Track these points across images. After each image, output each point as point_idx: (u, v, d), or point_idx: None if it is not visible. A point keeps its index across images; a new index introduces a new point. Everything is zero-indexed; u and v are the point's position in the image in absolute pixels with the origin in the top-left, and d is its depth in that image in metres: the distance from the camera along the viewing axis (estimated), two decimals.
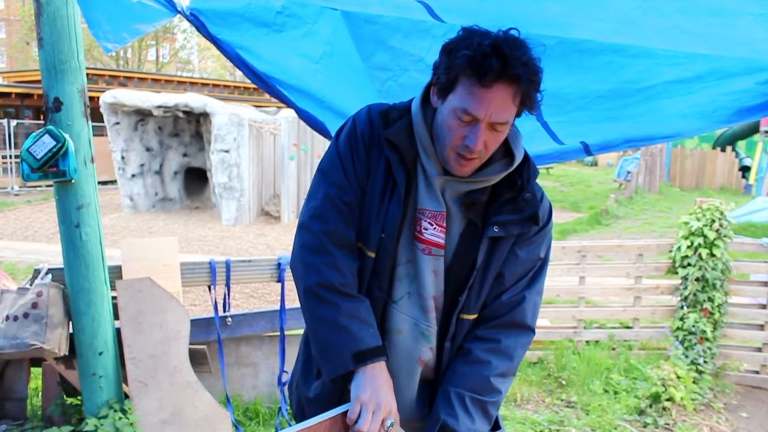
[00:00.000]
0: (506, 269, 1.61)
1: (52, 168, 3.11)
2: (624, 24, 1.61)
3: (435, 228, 1.59)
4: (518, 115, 1.49)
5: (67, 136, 3.12)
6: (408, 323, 1.63)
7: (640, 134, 2.22)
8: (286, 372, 3.87)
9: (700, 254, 4.89)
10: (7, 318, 3.21)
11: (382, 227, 1.58)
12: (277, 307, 4.07)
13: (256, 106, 16.76)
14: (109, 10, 2.50)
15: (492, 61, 1.39)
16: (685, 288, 4.99)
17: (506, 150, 1.60)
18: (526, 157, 1.62)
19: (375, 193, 1.60)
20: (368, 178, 1.62)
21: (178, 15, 2.51)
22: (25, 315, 3.21)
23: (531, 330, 1.66)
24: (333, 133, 2.76)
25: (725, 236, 4.90)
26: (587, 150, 2.46)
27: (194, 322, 3.70)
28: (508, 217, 1.56)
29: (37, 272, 3.54)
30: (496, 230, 1.55)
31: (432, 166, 1.57)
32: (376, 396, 1.48)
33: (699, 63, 1.90)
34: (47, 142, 3.09)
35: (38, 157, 3.07)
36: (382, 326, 1.63)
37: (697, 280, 4.92)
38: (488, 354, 1.60)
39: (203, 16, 2.49)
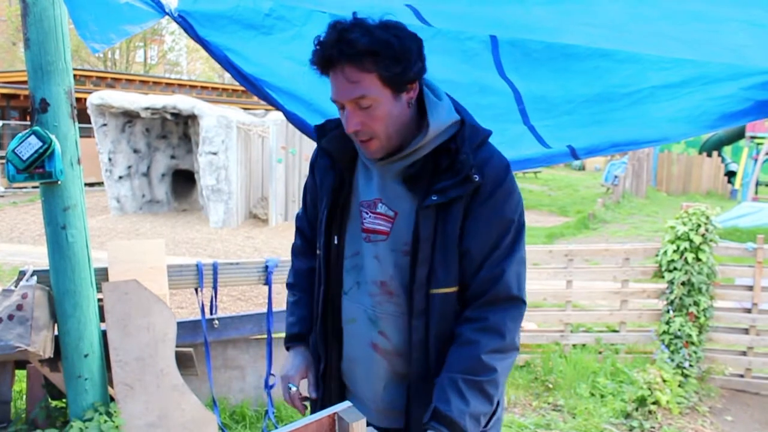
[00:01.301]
0: (471, 240, 1.60)
1: (39, 169, 3.09)
2: (611, 29, 1.62)
3: (371, 216, 1.70)
4: (391, 86, 1.55)
5: (53, 137, 3.11)
6: (358, 311, 1.73)
7: (626, 138, 2.23)
8: (273, 375, 3.86)
9: (686, 258, 4.92)
10: None
11: (321, 228, 1.78)
12: (265, 310, 4.06)
13: (245, 109, 16.73)
14: (96, 11, 2.48)
15: (315, 52, 1.57)
16: (672, 292, 5.02)
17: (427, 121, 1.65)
18: (463, 122, 1.65)
19: (322, 203, 1.80)
20: (316, 193, 1.87)
21: (166, 17, 2.50)
22: (10, 317, 3.18)
23: (519, 300, 1.64)
24: None
25: (711, 240, 4.93)
26: (574, 154, 2.48)
27: (181, 325, 3.69)
28: (445, 183, 1.58)
29: (22, 274, 3.51)
30: (435, 198, 1.58)
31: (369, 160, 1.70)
32: (284, 369, 1.88)
33: (685, 68, 1.91)
34: (33, 143, 3.07)
35: (24, 158, 3.05)
36: (339, 317, 1.79)
37: (683, 284, 4.95)
38: (477, 333, 1.59)
39: (191, 18, 2.48)
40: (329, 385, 1.84)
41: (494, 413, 1.71)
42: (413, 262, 1.61)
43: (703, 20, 1.34)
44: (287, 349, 1.94)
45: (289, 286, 2.02)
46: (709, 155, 21.04)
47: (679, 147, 22.55)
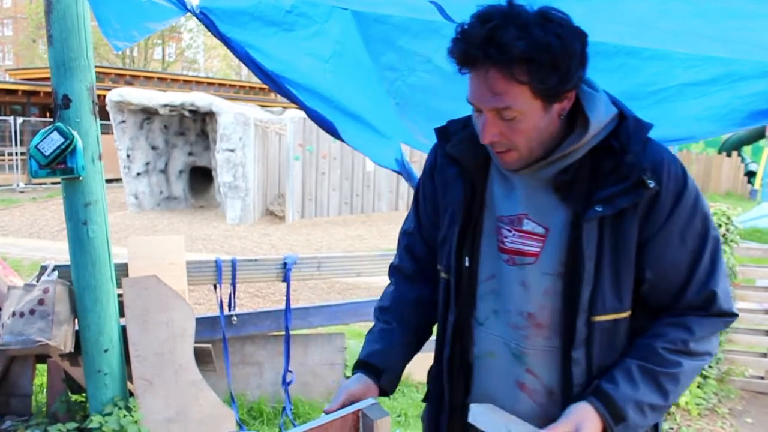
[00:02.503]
0: (662, 261, 1.36)
1: (60, 165, 3.11)
2: (639, 27, 1.60)
3: (515, 234, 1.43)
4: (543, 97, 1.28)
5: (75, 133, 3.13)
6: (498, 344, 1.48)
7: (653, 137, 2.21)
8: (291, 371, 3.87)
9: None
10: (14, 314, 3.21)
11: (449, 248, 1.52)
12: (282, 306, 4.07)
13: (262, 106, 16.78)
14: (119, 9, 2.49)
15: (456, 44, 1.29)
16: None
17: (585, 117, 1.36)
18: (624, 116, 1.38)
19: (445, 216, 1.55)
20: (438, 204, 1.60)
21: (188, 13, 2.51)
22: (32, 311, 3.21)
23: (729, 314, 1.41)
24: (341, 133, 2.77)
25: (732, 241, 4.88)
26: None
27: (199, 321, 3.70)
28: (612, 189, 1.32)
29: (43, 269, 3.54)
30: (600, 209, 1.32)
31: None
32: (341, 390, 1.56)
33: (714, 66, 1.89)
34: (56, 139, 3.09)
35: (46, 154, 3.07)
36: (472, 351, 1.53)
37: None
38: (666, 327, 1.40)
39: (213, 15, 2.48)
40: (452, 426, 1.60)
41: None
42: (572, 285, 1.36)
43: (736, 17, 1.32)
44: (353, 373, 1.64)
45: (382, 310, 1.71)
46: (729, 155, 20.84)
47: (698, 146, 22.34)
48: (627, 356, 1.39)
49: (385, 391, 1.60)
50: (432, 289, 1.65)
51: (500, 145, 1.35)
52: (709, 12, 1.33)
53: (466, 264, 1.49)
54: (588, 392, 1.37)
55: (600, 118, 1.34)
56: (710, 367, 4.85)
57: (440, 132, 1.57)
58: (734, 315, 1.42)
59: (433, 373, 1.66)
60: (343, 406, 1.46)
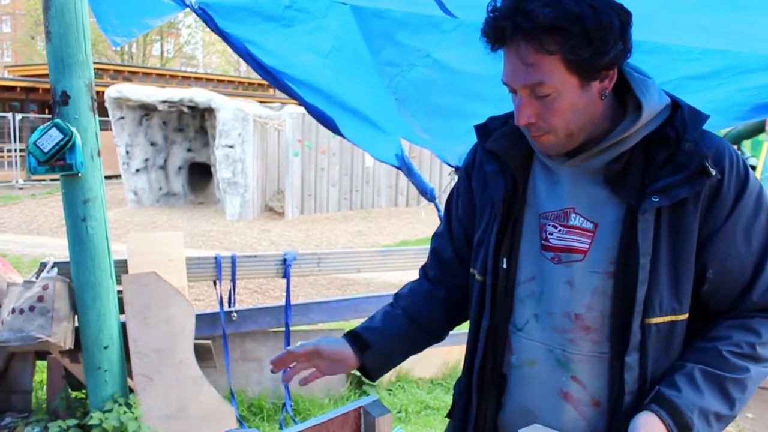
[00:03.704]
0: (725, 258, 1.28)
1: (59, 161, 3.11)
2: (639, 20, 1.59)
3: (561, 230, 1.34)
4: (578, 72, 1.21)
5: (74, 129, 3.12)
6: (540, 351, 1.36)
7: None
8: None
9: None
10: (13, 311, 3.21)
11: (486, 248, 1.43)
12: (282, 302, 4.07)
13: (261, 102, 16.76)
14: (117, 4, 2.49)
15: (487, 22, 1.23)
16: None
17: (636, 102, 1.28)
18: (678, 104, 1.31)
19: (483, 216, 1.47)
20: (474, 205, 1.53)
21: (185, 9, 2.50)
22: (31, 308, 3.21)
23: None
24: (340, 128, 2.77)
25: None
26: None
27: (199, 317, 3.70)
28: (669, 180, 1.23)
29: (43, 265, 3.54)
30: (656, 200, 1.23)
31: (553, 158, 1.35)
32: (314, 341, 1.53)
33: (715, 59, 1.88)
34: (54, 136, 3.08)
35: (45, 150, 3.07)
36: (509, 360, 1.42)
37: None
38: (730, 329, 1.29)
39: (211, 10, 2.48)
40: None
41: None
42: (625, 284, 1.27)
43: (736, 9, 1.32)
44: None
45: (395, 296, 1.65)
46: None
47: None
48: (687, 360, 1.28)
49: (367, 370, 1.54)
50: (452, 294, 1.59)
51: (536, 128, 1.27)
52: (709, 4, 1.32)
53: (504, 265, 1.39)
54: (648, 400, 1.25)
55: (653, 103, 1.27)
56: None
57: (479, 129, 1.49)
58: None
59: (461, 386, 1.55)
60: (299, 358, 1.49)
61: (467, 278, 1.52)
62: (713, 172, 1.21)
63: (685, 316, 1.29)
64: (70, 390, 3.65)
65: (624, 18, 1.22)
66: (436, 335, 1.64)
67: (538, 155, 1.38)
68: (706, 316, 1.32)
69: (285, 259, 3.99)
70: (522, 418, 1.37)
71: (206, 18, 2.50)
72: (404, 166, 3.03)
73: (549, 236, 1.34)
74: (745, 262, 1.27)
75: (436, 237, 1.64)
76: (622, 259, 1.27)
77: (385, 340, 1.54)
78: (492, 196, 1.42)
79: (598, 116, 1.28)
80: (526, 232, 1.38)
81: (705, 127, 1.28)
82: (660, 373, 1.30)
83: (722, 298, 1.30)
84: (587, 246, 1.30)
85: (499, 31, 1.21)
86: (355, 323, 5.77)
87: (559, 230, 1.33)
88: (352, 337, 1.54)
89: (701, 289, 1.29)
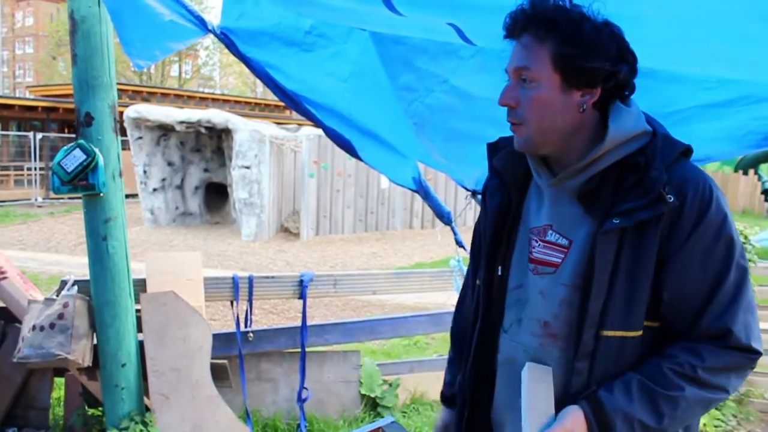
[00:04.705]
0: (679, 282, 1.34)
1: (82, 181, 3.17)
2: (656, 49, 1.62)
3: (541, 245, 1.46)
4: (561, 71, 1.33)
5: (97, 150, 3.18)
6: (518, 351, 1.49)
7: None
8: (306, 388, 3.88)
9: None
10: (34, 327, 3.25)
11: (482, 258, 1.59)
12: (297, 323, 4.09)
13: (277, 123, 16.90)
14: (142, 29, 2.54)
15: (510, 15, 1.38)
16: None
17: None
18: (655, 133, 1.40)
19: (485, 227, 1.61)
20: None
21: (208, 34, 2.56)
22: (51, 325, 3.25)
23: (749, 350, 1.34)
24: (358, 151, 2.81)
25: (750, 261, 4.84)
26: None
27: (216, 337, 3.73)
28: (633, 204, 1.32)
29: (63, 283, 3.58)
30: (617, 221, 1.32)
31: (541, 176, 1.47)
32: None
33: (730, 88, 1.90)
34: (78, 156, 3.15)
35: (69, 170, 3.13)
36: (496, 358, 1.56)
37: None
38: (678, 350, 1.35)
39: (233, 35, 2.53)
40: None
41: None
42: (585, 297, 1.36)
43: (754, 41, 1.34)
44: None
45: (451, 338, 1.86)
46: (745, 173, 20.71)
47: (713, 165, 22.21)
48: (632, 371, 1.36)
49: None
50: None
51: (513, 114, 1.40)
52: (727, 36, 1.35)
53: (498, 273, 1.53)
54: (582, 397, 1.36)
55: (622, 129, 1.36)
56: None
57: (491, 146, 1.61)
58: (756, 352, 1.34)
59: (459, 382, 1.68)
60: None
61: None
62: (670, 199, 1.29)
63: (637, 333, 1.36)
64: (87, 407, 3.68)
65: (623, 52, 1.35)
66: None
67: (534, 176, 1.49)
68: (668, 338, 1.39)
69: (302, 281, 4.01)
70: (500, 413, 1.55)
71: (228, 43, 2.55)
72: (421, 190, 3.06)
73: (533, 250, 1.47)
74: (699, 288, 1.33)
75: (463, 287, 1.83)
76: (587, 274, 1.36)
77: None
78: (489, 207, 1.57)
79: (576, 128, 1.38)
80: (518, 244, 1.51)
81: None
82: (606, 381, 1.37)
83: (677, 320, 1.37)
84: (560, 260, 1.41)
85: (513, 22, 1.37)
86: (369, 345, 5.80)
87: (540, 245, 1.46)
88: (446, 401, 1.79)
89: (659, 309, 1.37)
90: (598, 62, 1.31)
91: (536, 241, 1.47)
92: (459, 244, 3.54)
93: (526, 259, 1.48)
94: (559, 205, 1.44)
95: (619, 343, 1.36)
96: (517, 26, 1.36)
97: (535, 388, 1.37)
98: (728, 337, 1.33)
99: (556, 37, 1.31)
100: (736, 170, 21.34)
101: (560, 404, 1.37)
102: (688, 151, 1.42)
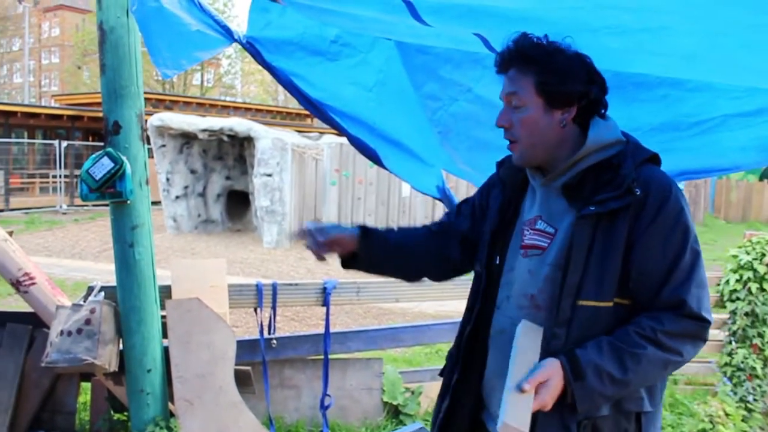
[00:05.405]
0: (643, 261, 1.58)
1: (110, 189, 3.21)
2: (685, 59, 1.62)
3: (531, 233, 1.74)
4: (544, 96, 1.63)
5: (124, 158, 3.23)
6: (508, 323, 1.74)
7: (696, 167, 2.21)
8: (329, 396, 3.89)
9: (749, 288, 4.78)
10: (62, 333, 3.30)
11: (484, 247, 1.87)
12: (319, 330, 4.10)
13: (299, 131, 16.98)
14: (169, 38, 2.57)
15: (499, 54, 1.71)
16: (734, 323, 4.88)
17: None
18: (628, 142, 1.69)
19: (486, 224, 1.90)
20: (483, 208, 1.98)
21: (234, 43, 2.59)
22: (79, 330, 3.29)
23: (700, 318, 1.58)
24: (383, 159, 2.82)
25: None
26: None
27: (240, 344, 3.75)
28: (607, 195, 1.59)
29: (90, 289, 3.63)
30: (593, 209, 1.59)
31: (535, 179, 1.77)
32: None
33: (759, 97, 1.89)
34: (106, 164, 3.20)
35: (97, 178, 3.18)
36: (489, 332, 1.82)
37: (746, 314, 4.81)
38: (642, 317, 1.59)
39: (259, 44, 2.56)
40: (461, 398, 1.87)
41: (641, 417, 1.66)
42: (565, 271, 1.62)
43: None
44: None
45: (400, 227, 2.14)
46: None
47: (737, 174, 22.00)
48: (604, 335, 1.60)
49: (356, 258, 1.96)
50: (440, 249, 2.02)
51: (508, 134, 1.70)
52: (754, 45, 1.34)
53: (497, 262, 1.82)
54: (560, 352, 1.59)
55: (599, 137, 1.65)
56: (755, 400, 4.74)
57: (498, 163, 1.96)
58: (705, 320, 1.59)
59: (450, 352, 1.95)
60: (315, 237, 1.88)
61: (450, 249, 2.00)
62: (637, 191, 1.56)
63: (608, 304, 1.60)
64: (112, 412, 3.73)
65: (592, 76, 1.66)
66: (414, 271, 2.12)
67: (530, 179, 1.80)
68: (636, 312, 1.62)
69: (325, 288, 4.03)
70: (491, 380, 1.80)
71: (253, 52, 2.58)
72: (445, 198, 3.06)
73: (524, 237, 1.76)
74: (660, 266, 1.58)
75: (445, 215, 2.14)
76: (568, 255, 1.62)
77: (382, 244, 1.98)
78: (492, 207, 1.90)
79: (560, 141, 1.67)
80: (514, 237, 1.80)
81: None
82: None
83: (643, 294, 1.61)
84: (547, 244, 1.70)
85: (501, 60, 1.71)
86: (391, 352, 5.79)
87: (531, 233, 1.75)
88: (362, 227, 1.96)
89: (629, 285, 1.61)
90: (572, 86, 1.62)
91: (527, 230, 1.76)
92: None
93: (518, 246, 1.77)
94: (549, 201, 1.73)
95: (592, 312, 1.60)
96: (504, 63, 1.69)
97: (525, 341, 1.61)
98: (683, 307, 1.57)
99: (536, 69, 1.62)
100: (761, 179, 21.10)
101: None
102: (655, 157, 1.68)
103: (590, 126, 1.66)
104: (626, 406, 1.63)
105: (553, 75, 1.61)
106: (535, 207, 1.77)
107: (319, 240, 1.90)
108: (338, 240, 1.92)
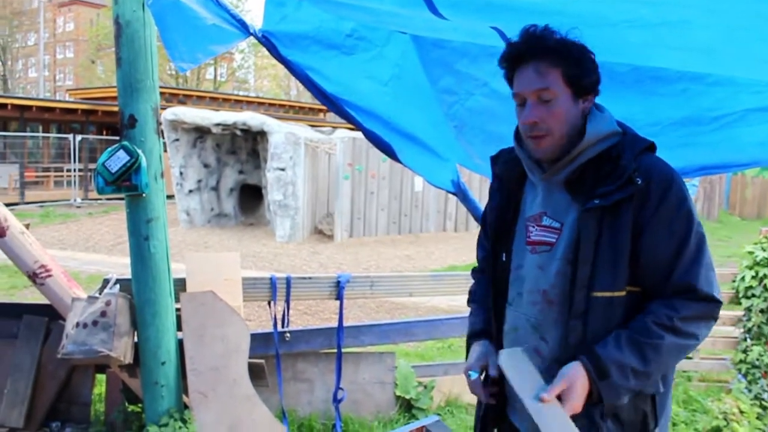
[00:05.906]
0: (651, 249, 1.61)
1: (125, 182, 3.23)
2: (705, 53, 1.61)
3: (537, 229, 1.75)
4: (571, 86, 1.64)
5: (140, 151, 3.24)
6: (521, 320, 1.77)
7: (715, 161, 2.19)
8: (342, 389, 3.90)
9: (765, 285, 4.75)
10: (77, 325, 3.32)
11: (490, 246, 1.90)
12: (333, 324, 4.11)
13: (312, 126, 17.01)
14: (185, 32, 2.57)
15: (507, 48, 1.70)
16: (749, 320, 4.85)
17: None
18: (625, 133, 1.70)
19: (490, 221, 1.91)
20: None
21: (250, 36, 2.58)
22: (94, 323, 3.32)
23: (712, 299, 1.62)
24: (398, 153, 2.82)
25: None
26: None
27: (253, 337, 3.77)
28: (609, 187, 1.60)
29: (105, 282, 3.65)
30: (597, 202, 1.61)
31: (535, 174, 1.76)
32: (467, 363, 1.87)
33: None
34: (121, 157, 3.21)
35: (113, 171, 3.19)
36: (502, 328, 1.84)
37: (761, 311, 4.78)
38: (656, 306, 1.61)
39: (274, 38, 2.55)
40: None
41: (656, 410, 1.69)
42: (575, 266, 1.63)
43: None
44: (468, 347, 1.95)
45: (469, 300, 2.09)
46: None
47: (753, 170, 21.81)
48: (621, 329, 1.62)
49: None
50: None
51: (538, 129, 1.66)
52: None
53: (503, 258, 1.83)
54: (580, 352, 1.61)
55: (598, 129, 1.67)
56: None
57: (493, 158, 1.96)
58: (716, 300, 1.62)
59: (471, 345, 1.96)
60: (483, 368, 1.80)
61: None
62: (638, 181, 1.59)
63: (621, 293, 1.63)
64: (127, 404, 3.75)
65: (594, 63, 1.67)
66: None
67: (529, 175, 1.80)
68: (648, 298, 1.65)
69: (339, 282, 4.04)
70: None
71: (269, 46, 2.57)
72: (460, 192, 3.06)
73: (530, 234, 1.77)
74: (667, 251, 1.61)
75: (479, 238, 2.10)
76: (576, 248, 1.64)
77: (489, 321, 1.92)
78: (492, 206, 1.90)
79: (576, 131, 1.67)
80: (518, 233, 1.81)
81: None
82: (600, 337, 1.62)
83: (653, 280, 1.63)
84: (555, 240, 1.70)
85: (517, 54, 1.68)
86: (404, 346, 5.80)
87: (536, 229, 1.75)
88: (477, 335, 1.92)
89: (639, 273, 1.63)
90: (590, 75, 1.66)
91: (533, 227, 1.76)
92: None
93: (524, 243, 1.78)
94: (551, 195, 1.74)
95: (606, 302, 1.62)
96: (525, 56, 1.66)
97: (516, 367, 1.61)
98: (695, 290, 1.60)
99: (564, 63, 1.62)
100: None
101: (560, 358, 1.65)
102: (652, 146, 1.70)
103: (588, 119, 1.68)
104: (645, 390, 1.66)
105: (576, 66, 1.63)
106: (537, 202, 1.77)
107: (486, 392, 1.82)
108: (486, 357, 1.86)
